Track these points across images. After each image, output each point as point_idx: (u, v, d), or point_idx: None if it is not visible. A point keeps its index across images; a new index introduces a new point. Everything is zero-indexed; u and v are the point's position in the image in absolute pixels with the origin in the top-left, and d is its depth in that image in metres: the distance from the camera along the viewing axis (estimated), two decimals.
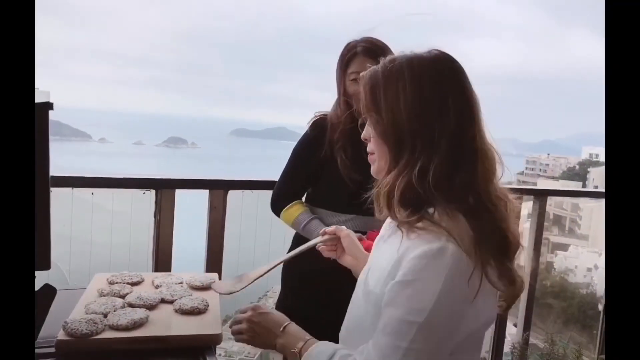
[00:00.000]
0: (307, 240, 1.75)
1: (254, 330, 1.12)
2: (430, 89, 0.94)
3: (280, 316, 1.13)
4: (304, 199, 1.92)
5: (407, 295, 0.88)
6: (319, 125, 1.80)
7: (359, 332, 1.01)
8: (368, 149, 1.03)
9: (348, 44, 1.76)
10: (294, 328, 1.09)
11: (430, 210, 0.92)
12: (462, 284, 0.87)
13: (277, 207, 1.87)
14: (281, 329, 1.09)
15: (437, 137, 0.92)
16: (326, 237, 1.32)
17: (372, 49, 1.70)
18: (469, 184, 0.92)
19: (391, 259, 0.94)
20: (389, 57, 0.99)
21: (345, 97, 1.75)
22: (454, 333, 0.89)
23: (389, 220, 1.06)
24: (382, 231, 1.10)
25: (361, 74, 1.02)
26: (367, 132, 1.02)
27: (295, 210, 1.82)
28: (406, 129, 0.93)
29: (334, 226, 1.33)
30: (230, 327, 1.17)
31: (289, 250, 1.82)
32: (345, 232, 1.30)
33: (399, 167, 0.94)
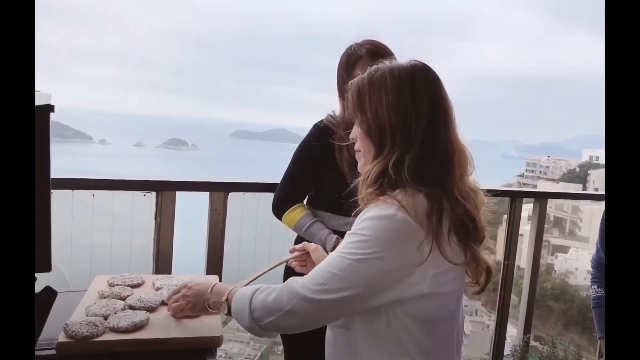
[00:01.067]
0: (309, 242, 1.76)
1: (189, 302, 1.28)
2: (408, 93, 1.07)
3: (207, 281, 1.29)
4: (305, 201, 1.92)
5: (351, 241, 1.02)
6: (321, 127, 1.80)
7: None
8: (355, 147, 1.16)
9: (351, 47, 1.76)
10: (220, 286, 1.24)
11: (395, 191, 1.03)
12: (409, 249, 0.99)
13: (279, 210, 1.87)
14: (209, 290, 1.24)
15: (413, 134, 1.05)
16: (296, 253, 1.44)
17: (376, 51, 1.71)
18: (440, 176, 1.05)
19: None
20: (374, 67, 1.13)
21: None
22: (384, 286, 1.00)
23: None
24: None
25: (349, 82, 1.15)
26: (354, 132, 1.15)
27: (297, 213, 1.82)
28: (387, 126, 1.06)
29: (303, 243, 1.46)
30: (169, 309, 1.33)
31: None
32: (314, 247, 1.43)
33: (379, 157, 1.07)
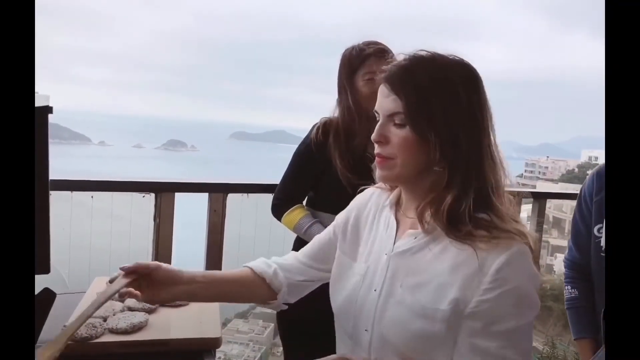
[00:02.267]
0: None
1: None
2: (476, 101, 0.92)
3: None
4: (305, 202, 1.92)
5: (513, 303, 0.87)
6: (321, 129, 1.80)
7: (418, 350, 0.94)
8: (384, 152, 0.95)
9: (354, 47, 1.74)
10: None
11: (483, 215, 0.91)
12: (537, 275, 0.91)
13: (278, 211, 1.87)
14: None
15: (482, 150, 0.92)
16: (126, 280, 1.02)
17: (383, 49, 1.70)
18: (495, 189, 0.93)
19: (453, 272, 0.91)
20: (413, 55, 0.95)
21: (354, 100, 1.73)
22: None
23: (382, 219, 1.06)
24: (401, 246, 1.00)
25: (387, 72, 0.95)
26: (384, 133, 0.95)
27: (296, 214, 1.82)
28: (463, 142, 0.90)
29: (135, 265, 1.03)
30: None
31: (292, 250, 1.81)
32: (153, 265, 1.04)
33: (456, 181, 0.91)
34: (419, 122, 0.90)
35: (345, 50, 1.76)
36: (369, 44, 1.73)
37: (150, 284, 1.04)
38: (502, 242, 0.88)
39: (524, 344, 0.89)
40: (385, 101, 0.94)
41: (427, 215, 0.94)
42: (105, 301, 0.99)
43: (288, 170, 1.88)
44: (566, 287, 1.67)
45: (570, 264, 1.67)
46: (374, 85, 1.50)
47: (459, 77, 0.92)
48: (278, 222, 1.89)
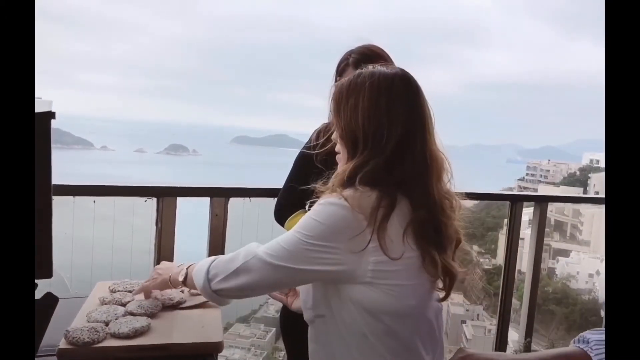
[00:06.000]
0: None
1: (157, 274, 1.43)
2: (384, 101, 1.10)
3: (175, 264, 1.44)
4: (307, 207, 1.92)
5: (301, 223, 1.10)
6: (322, 133, 1.80)
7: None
8: (335, 149, 1.20)
9: (345, 54, 1.76)
10: (186, 265, 1.32)
11: (348, 189, 1.08)
12: (350, 234, 1.04)
13: (281, 216, 1.87)
14: (173, 268, 1.39)
15: (384, 141, 1.08)
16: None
17: (363, 60, 1.70)
18: (406, 181, 1.08)
19: None
20: (357, 72, 1.16)
21: None
22: (324, 264, 1.06)
23: None
24: None
25: (330, 87, 1.19)
26: (335, 135, 1.19)
27: (299, 219, 1.82)
28: (359, 132, 1.10)
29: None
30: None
31: None
32: None
33: (349, 162, 1.11)
34: (335, 120, 1.17)
35: (343, 55, 1.78)
36: (354, 51, 1.74)
37: (293, 291, 1.40)
38: (329, 195, 1.08)
39: (269, 248, 1.10)
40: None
41: None
42: None
43: (290, 175, 1.88)
44: None
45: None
46: None
47: (370, 84, 1.11)
48: (280, 226, 1.89)
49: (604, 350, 1.38)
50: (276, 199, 1.92)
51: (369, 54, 1.70)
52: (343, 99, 1.14)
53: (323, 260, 1.06)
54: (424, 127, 1.13)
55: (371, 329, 1.08)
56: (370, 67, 1.16)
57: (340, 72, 1.75)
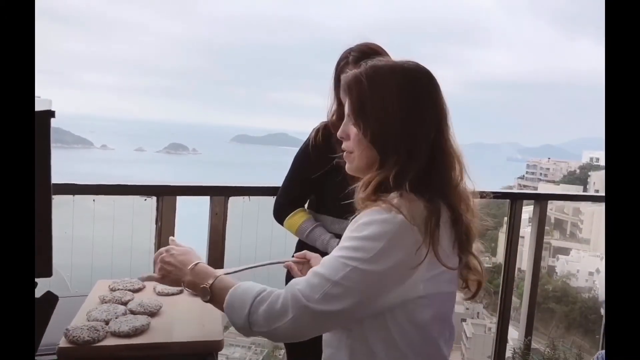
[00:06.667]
0: (310, 247, 1.75)
1: (165, 269, 1.19)
2: (412, 100, 1.04)
3: (190, 256, 1.19)
4: (306, 205, 1.92)
5: (351, 245, 0.98)
6: (321, 132, 1.81)
7: None
8: (344, 147, 1.11)
9: (344, 51, 1.76)
10: (202, 267, 1.15)
11: (386, 193, 1.01)
12: (409, 251, 0.96)
13: (280, 215, 1.87)
14: (190, 267, 1.15)
15: (418, 143, 1.02)
16: (291, 259, 1.39)
17: (362, 57, 1.69)
18: (442, 185, 1.03)
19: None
20: (370, 64, 1.08)
21: (340, 104, 1.75)
22: (388, 292, 0.98)
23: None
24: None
25: (342, 78, 1.11)
26: (345, 130, 1.10)
27: (298, 217, 1.83)
28: (392, 135, 1.03)
29: (304, 251, 1.40)
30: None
31: (293, 254, 1.81)
32: (315, 255, 1.37)
33: (383, 168, 1.03)
34: (359, 121, 1.05)
35: (343, 52, 1.77)
36: (352, 49, 1.74)
37: (306, 270, 1.27)
38: (378, 207, 0.99)
39: (329, 271, 0.98)
40: (346, 103, 1.10)
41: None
42: (272, 264, 1.36)
43: (289, 173, 1.88)
44: None
45: None
46: None
47: (397, 81, 1.05)
48: (280, 225, 1.90)
49: None
50: (275, 197, 1.92)
51: (368, 52, 1.70)
52: (368, 99, 1.05)
53: (384, 287, 0.98)
54: (446, 123, 1.07)
55: (408, 340, 1.02)
56: (381, 60, 1.09)
57: (340, 70, 1.75)
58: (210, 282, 1.10)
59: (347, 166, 1.12)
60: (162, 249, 1.22)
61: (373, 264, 0.96)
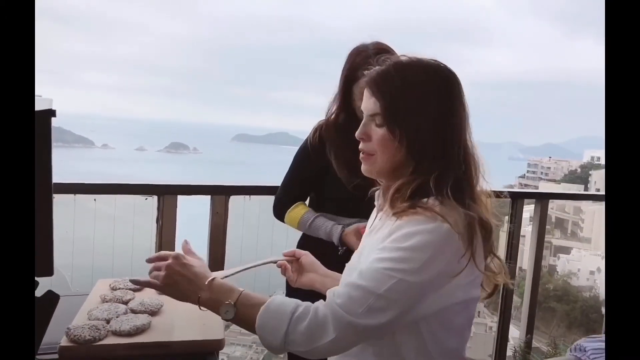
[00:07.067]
0: (314, 241, 1.75)
1: (172, 279, 1.04)
2: (447, 100, 1.01)
3: (204, 270, 1.07)
4: (307, 204, 1.91)
5: (396, 256, 0.93)
6: (319, 131, 1.80)
7: None
8: (366, 148, 1.05)
9: (359, 53, 1.69)
10: (220, 282, 1.04)
11: (424, 200, 0.98)
12: (452, 260, 0.93)
13: (280, 210, 1.86)
14: (206, 282, 1.03)
15: (454, 146, 1.00)
16: (281, 257, 1.30)
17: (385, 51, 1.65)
18: (472, 189, 1.02)
19: (382, 239, 0.99)
20: (397, 61, 1.03)
21: (348, 103, 1.72)
22: (426, 301, 0.95)
23: (374, 214, 1.15)
24: (369, 225, 1.15)
25: (368, 75, 1.04)
26: (366, 131, 1.04)
27: (298, 210, 1.81)
28: (430, 140, 0.99)
29: (293, 249, 1.33)
30: (150, 273, 1.09)
31: None
32: (304, 252, 1.32)
33: (416, 172, 1.00)
34: (392, 123, 1.00)
35: (354, 49, 1.72)
36: (368, 47, 1.68)
37: (298, 268, 1.30)
38: (421, 216, 0.95)
39: (376, 285, 0.92)
40: (367, 102, 1.04)
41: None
42: (265, 263, 1.27)
43: (289, 171, 1.88)
44: None
45: None
46: None
47: (430, 80, 1.01)
48: (281, 224, 1.89)
49: (602, 358, 1.37)
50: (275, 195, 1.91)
51: (383, 52, 1.67)
52: (401, 100, 0.99)
53: (424, 297, 0.94)
54: (468, 124, 1.04)
55: (440, 347, 1.00)
56: (402, 57, 1.04)
57: (353, 68, 1.67)
58: (235, 297, 1.00)
59: (364, 168, 1.07)
60: (169, 254, 1.08)
61: (419, 275, 0.92)
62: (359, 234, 1.63)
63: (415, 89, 1.00)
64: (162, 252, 1.10)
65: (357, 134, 1.06)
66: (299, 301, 0.98)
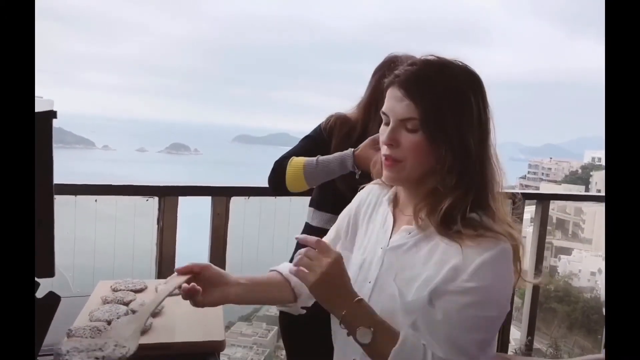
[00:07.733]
0: (316, 233, 1.68)
1: (327, 278, 0.92)
2: (484, 108, 0.97)
3: (345, 278, 0.95)
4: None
5: (485, 299, 0.91)
6: (334, 123, 1.75)
7: None
8: (394, 154, 0.97)
9: (389, 57, 1.67)
10: (366, 304, 0.95)
11: (473, 215, 0.95)
12: (513, 273, 0.95)
13: (280, 170, 1.72)
14: (355, 300, 0.93)
15: (490, 157, 0.98)
16: (182, 278, 1.01)
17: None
18: (497, 193, 0.98)
19: (438, 267, 0.94)
20: (434, 63, 0.97)
21: (377, 108, 1.68)
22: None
23: (384, 214, 1.08)
24: (396, 241, 1.02)
25: (398, 76, 0.97)
26: (396, 138, 0.96)
27: (299, 159, 1.69)
28: (472, 152, 0.94)
29: (188, 264, 1.04)
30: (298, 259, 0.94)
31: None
32: (205, 265, 1.05)
33: (462, 184, 0.94)
34: (433, 129, 0.93)
35: (390, 58, 1.69)
36: (398, 58, 1.63)
37: (202, 285, 1.02)
38: (487, 240, 0.91)
39: (480, 334, 0.93)
40: (398, 105, 0.96)
41: (422, 213, 0.98)
42: (163, 299, 1.00)
43: (296, 147, 1.78)
44: None
45: None
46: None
47: (468, 83, 0.96)
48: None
49: None
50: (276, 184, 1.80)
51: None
52: (444, 104, 0.92)
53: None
54: (492, 127, 1.01)
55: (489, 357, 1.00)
56: (437, 59, 0.98)
57: (384, 74, 1.61)
58: (374, 324, 0.92)
59: (388, 175, 0.99)
60: (332, 249, 0.95)
61: (506, 306, 0.95)
62: (374, 143, 1.54)
63: (457, 92, 0.94)
64: (324, 242, 0.96)
65: (384, 139, 0.98)
66: (425, 344, 0.92)
